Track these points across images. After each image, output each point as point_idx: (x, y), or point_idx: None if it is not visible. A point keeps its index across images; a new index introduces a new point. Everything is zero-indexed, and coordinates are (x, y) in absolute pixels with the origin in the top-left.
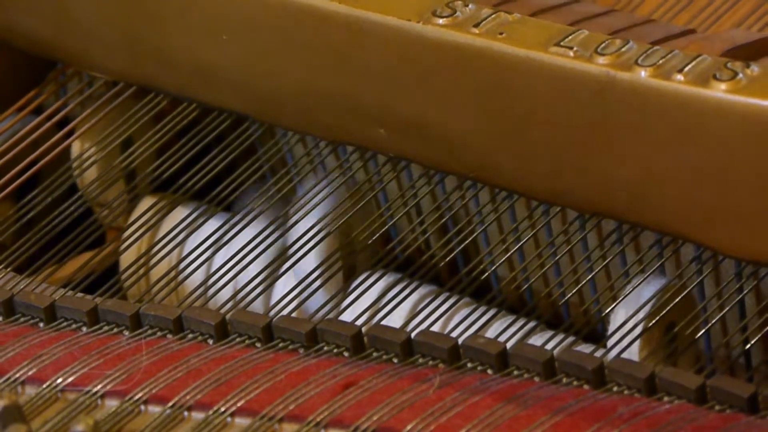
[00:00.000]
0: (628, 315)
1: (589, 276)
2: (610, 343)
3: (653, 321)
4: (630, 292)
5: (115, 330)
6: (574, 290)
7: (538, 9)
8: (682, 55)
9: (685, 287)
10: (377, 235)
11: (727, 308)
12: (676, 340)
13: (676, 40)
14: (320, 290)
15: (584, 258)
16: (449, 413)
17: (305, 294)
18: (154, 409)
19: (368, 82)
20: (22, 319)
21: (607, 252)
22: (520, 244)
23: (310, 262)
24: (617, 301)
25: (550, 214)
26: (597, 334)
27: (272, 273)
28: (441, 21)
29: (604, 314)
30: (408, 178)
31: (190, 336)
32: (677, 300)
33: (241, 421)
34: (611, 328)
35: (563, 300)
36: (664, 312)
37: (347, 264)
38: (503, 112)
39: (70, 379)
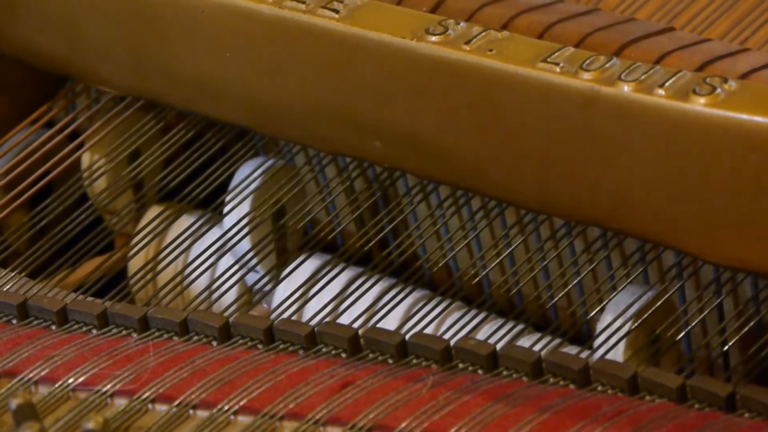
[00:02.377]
0: (613, 319)
1: (576, 280)
2: (596, 344)
3: (636, 325)
4: (614, 295)
5: (124, 332)
6: (561, 294)
7: (524, 8)
8: (663, 70)
9: (667, 292)
10: (374, 240)
11: (706, 311)
12: (658, 342)
13: (656, 37)
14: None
15: (571, 263)
16: (442, 411)
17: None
18: (161, 407)
19: (364, 96)
20: (35, 322)
21: (592, 257)
22: (510, 250)
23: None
24: (602, 305)
25: (538, 222)
26: (583, 336)
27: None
28: (434, 38)
29: (589, 317)
30: (405, 187)
31: (195, 338)
32: (659, 305)
33: (244, 419)
34: (598, 330)
35: (551, 303)
36: (647, 316)
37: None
38: (493, 125)
39: (80, 379)
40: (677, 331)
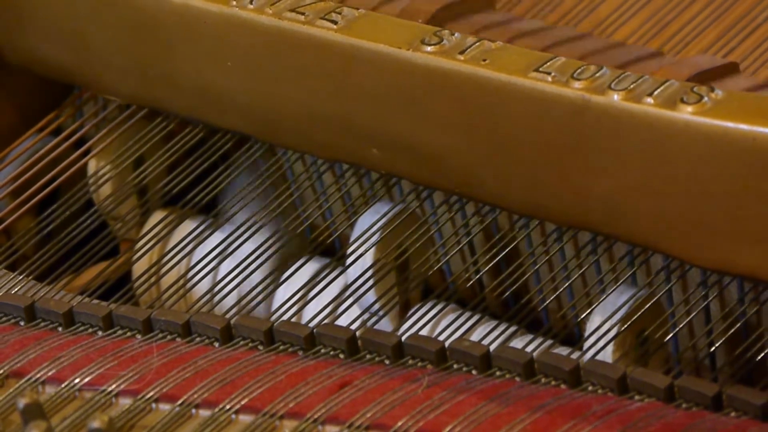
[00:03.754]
0: (602, 321)
1: (567, 284)
2: (586, 346)
3: (625, 326)
4: (604, 298)
5: (128, 334)
6: (552, 297)
7: (518, 33)
8: (652, 80)
9: (655, 295)
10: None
11: (694, 314)
12: (646, 343)
13: (646, 62)
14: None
15: (562, 267)
16: (437, 411)
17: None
18: (165, 406)
19: (362, 105)
20: (42, 324)
21: (582, 261)
22: (503, 254)
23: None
24: (592, 308)
25: (530, 227)
26: (573, 338)
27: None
28: (429, 48)
29: (579, 319)
30: (399, 194)
31: (198, 339)
32: (647, 307)
33: (245, 418)
34: (587, 332)
35: (542, 306)
36: (635, 318)
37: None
38: (487, 133)
39: (86, 379)
40: (665, 333)
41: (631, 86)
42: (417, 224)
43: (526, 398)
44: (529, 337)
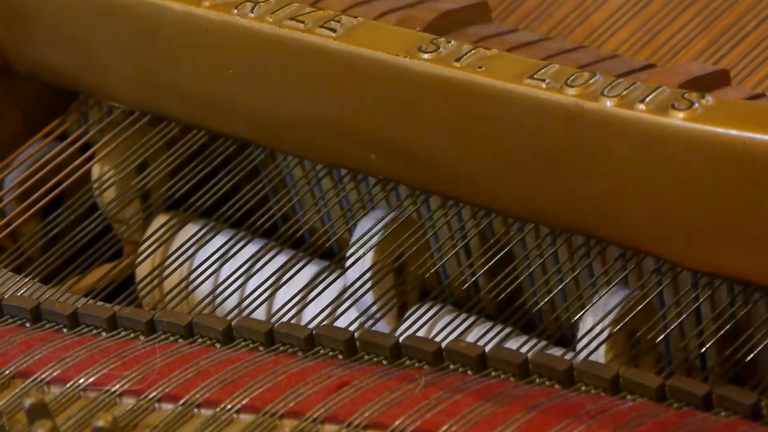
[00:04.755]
0: (595, 322)
1: (560, 286)
2: (579, 347)
3: (617, 327)
4: (597, 300)
5: (132, 335)
6: (546, 299)
7: (513, 45)
8: (644, 86)
9: (647, 297)
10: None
11: (684, 315)
12: (638, 344)
13: (638, 74)
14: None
15: (555, 270)
16: (434, 410)
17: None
18: (167, 406)
19: (360, 111)
20: (47, 325)
21: (576, 264)
22: (498, 257)
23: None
24: (585, 309)
25: (525, 231)
26: (567, 339)
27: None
28: (426, 56)
29: (573, 321)
30: (396, 198)
31: (200, 340)
32: (639, 308)
33: (246, 417)
34: (580, 333)
35: (536, 308)
36: (627, 319)
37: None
38: (482, 138)
39: (91, 380)
40: (657, 333)
41: (624, 93)
42: (413, 228)
43: (521, 398)
44: (524, 338)
